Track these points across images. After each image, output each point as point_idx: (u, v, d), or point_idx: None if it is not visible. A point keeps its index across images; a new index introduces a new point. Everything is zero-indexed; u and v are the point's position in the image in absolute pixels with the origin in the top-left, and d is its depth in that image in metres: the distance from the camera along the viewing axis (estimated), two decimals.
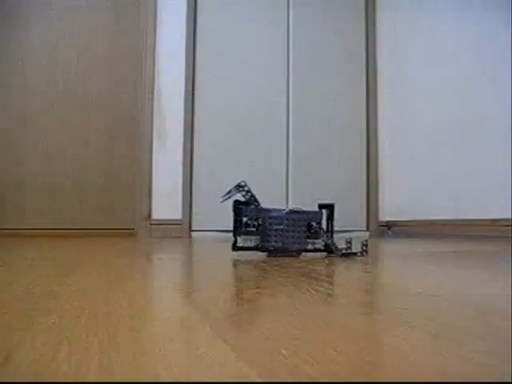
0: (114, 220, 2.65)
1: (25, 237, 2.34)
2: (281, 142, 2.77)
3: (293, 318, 0.42)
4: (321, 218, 1.17)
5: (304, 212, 1.16)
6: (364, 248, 1.12)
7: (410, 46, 2.71)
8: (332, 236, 1.18)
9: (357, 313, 0.45)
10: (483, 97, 2.17)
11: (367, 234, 2.83)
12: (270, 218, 1.13)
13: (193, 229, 2.61)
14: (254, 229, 1.12)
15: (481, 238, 2.01)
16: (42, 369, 0.28)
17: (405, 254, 1.28)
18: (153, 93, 2.63)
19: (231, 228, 1.13)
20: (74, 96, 2.65)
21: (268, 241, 1.13)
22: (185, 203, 2.60)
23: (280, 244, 1.13)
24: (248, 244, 1.13)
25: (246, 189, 1.11)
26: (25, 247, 1.51)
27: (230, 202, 1.13)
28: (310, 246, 1.16)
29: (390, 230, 2.79)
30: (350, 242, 1.16)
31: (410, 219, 2.62)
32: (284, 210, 1.16)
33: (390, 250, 1.48)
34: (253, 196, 1.12)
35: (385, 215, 2.86)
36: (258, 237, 1.12)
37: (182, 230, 2.57)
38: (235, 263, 0.97)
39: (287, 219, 1.14)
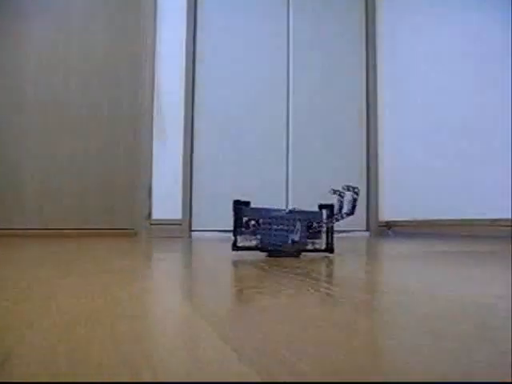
0: (114, 220, 2.65)
1: (25, 237, 2.34)
2: (281, 141, 2.77)
3: (293, 318, 0.42)
4: (321, 218, 1.17)
5: (304, 212, 1.16)
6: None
7: (410, 46, 2.71)
8: (332, 236, 1.18)
9: (357, 313, 0.45)
10: (483, 97, 2.17)
11: (367, 234, 2.83)
12: (270, 217, 1.13)
13: (193, 229, 2.61)
14: (254, 229, 1.12)
15: (481, 238, 2.01)
16: (41, 369, 0.28)
17: (405, 253, 1.28)
18: (153, 93, 2.63)
19: (231, 228, 1.13)
20: (74, 96, 2.65)
21: (268, 241, 1.13)
22: (185, 203, 2.60)
23: (280, 244, 1.13)
24: (248, 244, 1.13)
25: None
26: (25, 247, 1.51)
27: (230, 202, 1.13)
28: (309, 246, 1.16)
29: (390, 230, 2.79)
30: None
31: (410, 219, 2.62)
32: (284, 210, 1.16)
33: (390, 250, 1.48)
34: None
35: (385, 215, 2.86)
36: (258, 237, 1.12)
37: (182, 229, 2.58)
38: (235, 263, 0.97)
39: (287, 219, 1.14)
